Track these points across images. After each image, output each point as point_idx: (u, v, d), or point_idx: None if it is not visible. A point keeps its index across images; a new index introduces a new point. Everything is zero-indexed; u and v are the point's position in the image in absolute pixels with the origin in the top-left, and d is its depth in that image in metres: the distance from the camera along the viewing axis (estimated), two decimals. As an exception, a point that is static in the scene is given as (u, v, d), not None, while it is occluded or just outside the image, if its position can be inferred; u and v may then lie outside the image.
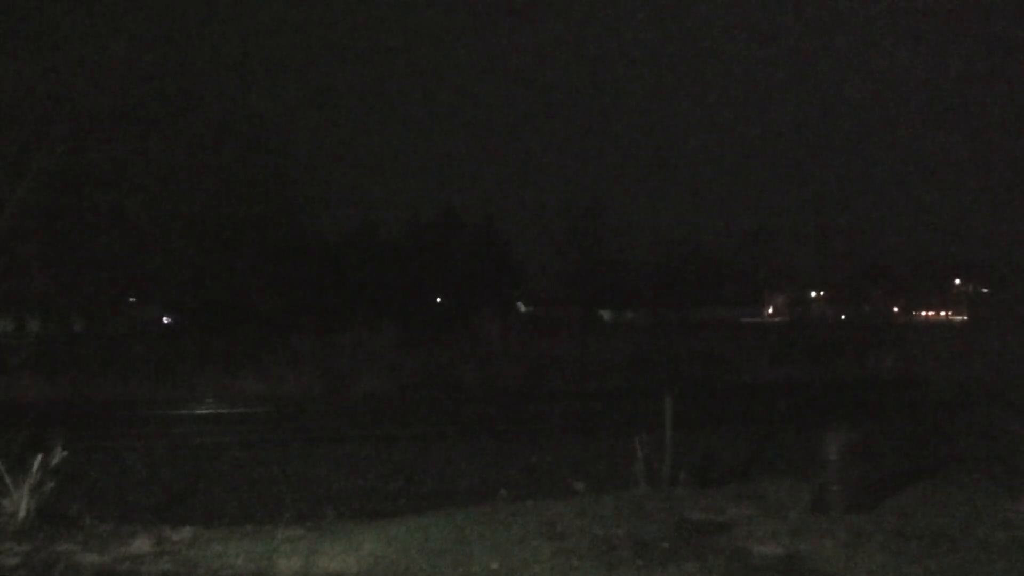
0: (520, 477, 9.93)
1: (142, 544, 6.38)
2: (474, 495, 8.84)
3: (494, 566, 5.75)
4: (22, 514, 6.84)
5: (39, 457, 7.16)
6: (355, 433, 13.11)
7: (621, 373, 22.05)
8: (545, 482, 9.54)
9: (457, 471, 10.29)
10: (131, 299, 36.64)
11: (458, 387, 20.32)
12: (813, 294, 66.64)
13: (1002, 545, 6.10)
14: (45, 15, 20.90)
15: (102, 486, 9.41)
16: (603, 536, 6.42)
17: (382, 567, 5.77)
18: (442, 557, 5.95)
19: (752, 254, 67.20)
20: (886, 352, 24.11)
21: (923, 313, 68.37)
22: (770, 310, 76.53)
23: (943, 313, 69.33)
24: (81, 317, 30.12)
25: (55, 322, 28.70)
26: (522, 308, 66.07)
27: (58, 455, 7.38)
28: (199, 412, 15.94)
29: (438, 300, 58.31)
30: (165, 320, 45.03)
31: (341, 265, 52.85)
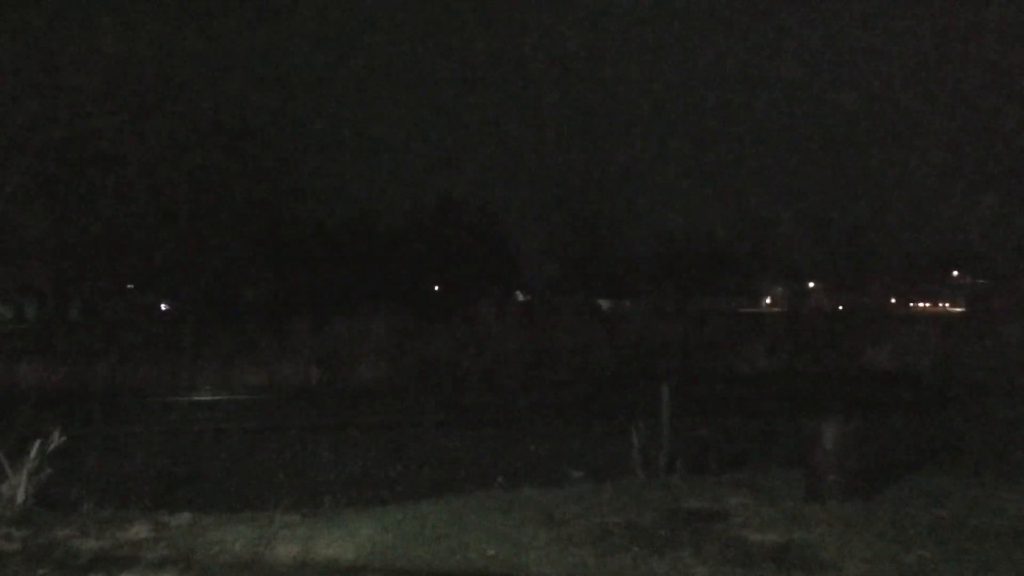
0: (518, 465, 9.96)
1: (140, 530, 6.39)
2: (472, 483, 8.86)
3: (491, 552, 5.77)
4: (20, 499, 6.85)
5: (37, 443, 7.17)
6: (353, 421, 13.14)
7: (618, 362, 22.08)
8: (542, 470, 9.57)
9: (455, 459, 10.32)
10: (129, 286, 36.61)
11: (456, 375, 20.35)
12: (811, 285, 66.66)
13: (997, 534, 6.13)
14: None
15: (100, 472, 9.43)
16: (599, 524, 6.44)
17: (379, 553, 5.80)
18: (439, 543, 5.97)
19: (751, 244, 67.15)
20: (883, 343, 24.15)
21: (921, 304, 68.44)
22: (768, 300, 76.57)
23: (941, 304, 69.42)
24: (79, 304, 30.11)
25: (53, 308, 28.66)
26: (520, 297, 66.08)
27: (56, 441, 7.39)
28: (197, 399, 15.97)
29: (436, 288, 58.32)
30: (163, 307, 44.95)
31: (339, 253, 52.79)
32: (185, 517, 6.80)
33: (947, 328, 28.14)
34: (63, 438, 7.50)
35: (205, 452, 10.65)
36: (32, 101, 19.36)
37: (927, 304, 69.68)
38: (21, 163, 19.78)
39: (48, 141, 20.03)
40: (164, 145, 22.46)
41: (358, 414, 14.07)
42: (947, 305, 67.93)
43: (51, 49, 19.76)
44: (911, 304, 65.09)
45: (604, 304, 59.16)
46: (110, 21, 20.93)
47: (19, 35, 19.63)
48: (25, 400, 14.51)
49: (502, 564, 5.57)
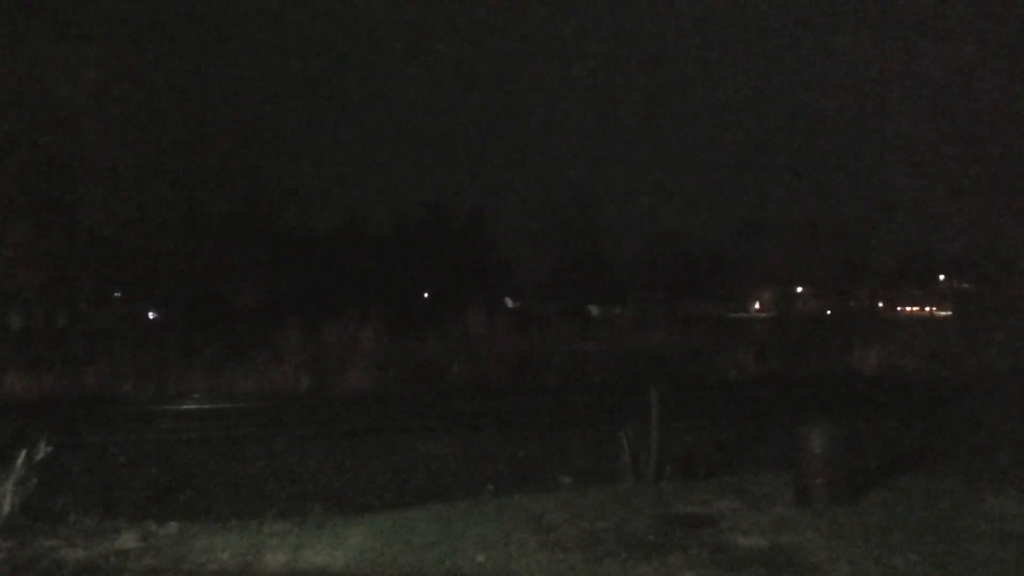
0: (507, 471, 9.95)
1: (127, 539, 6.35)
2: (461, 489, 8.85)
3: (480, 559, 5.77)
4: (6, 510, 6.80)
5: (23, 452, 7.12)
6: (342, 428, 13.10)
7: (608, 368, 22.10)
8: (532, 476, 9.57)
9: (444, 466, 10.30)
10: (116, 294, 36.41)
11: (445, 382, 20.32)
12: (799, 289, 66.98)
13: (984, 536, 6.18)
14: (27, 9, 20.77)
15: (87, 481, 9.36)
16: (589, 529, 6.45)
17: (368, 561, 5.78)
18: (428, 551, 5.96)
19: (739, 250, 67.45)
20: (871, 347, 24.26)
21: (907, 308, 68.86)
22: (757, 305, 76.86)
23: (927, 308, 69.86)
24: (65, 312, 29.90)
25: (39, 317, 28.47)
26: (510, 303, 66.10)
27: (42, 450, 7.34)
28: (185, 408, 15.87)
29: (425, 295, 58.25)
30: (151, 315, 44.65)
31: (328, 260, 52.69)
32: (173, 526, 6.77)
33: (934, 332, 28.33)
34: (49, 447, 7.46)
35: (193, 460, 10.58)
36: (18, 109, 19.28)
37: (914, 308, 70.13)
38: (7, 170, 19.67)
39: (34, 149, 19.94)
40: (152, 154, 22.40)
41: (348, 421, 14.02)
42: (934, 309, 68.37)
43: (37, 59, 19.69)
44: (898, 308, 65.47)
45: (594, 310, 59.22)
46: (98, 31, 20.91)
47: (5, 45, 19.56)
48: (10, 409, 14.41)
49: (492, 570, 5.58)
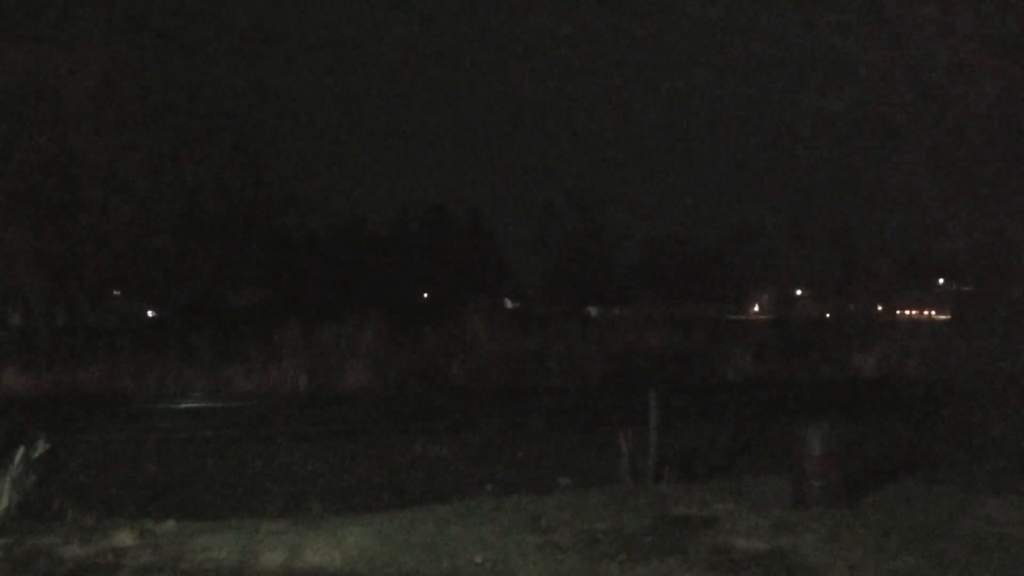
0: (505, 472, 9.96)
1: (125, 537, 6.35)
2: (459, 490, 8.85)
3: (478, 560, 5.77)
4: (3, 507, 6.79)
5: (21, 450, 7.12)
6: (340, 428, 13.09)
7: (607, 369, 22.09)
8: (530, 477, 9.57)
9: (443, 466, 10.30)
10: (115, 292, 36.40)
11: (444, 382, 20.31)
12: (798, 292, 67.01)
13: (983, 540, 6.18)
14: (26, 5, 20.77)
15: (85, 479, 9.36)
16: (587, 530, 6.45)
17: (366, 561, 5.78)
18: (426, 551, 5.96)
19: (739, 252, 67.51)
20: (869, 350, 24.26)
21: (907, 312, 68.83)
22: (755, 308, 76.89)
23: (926, 312, 69.84)
24: (64, 310, 29.89)
25: (38, 315, 28.45)
26: (509, 304, 66.12)
27: (40, 448, 7.34)
28: (183, 406, 15.88)
29: (425, 295, 58.30)
30: (150, 314, 44.62)
31: (328, 260, 52.72)
32: (171, 525, 6.77)
33: (933, 335, 28.33)
34: (47, 445, 7.45)
35: (191, 459, 10.58)
36: (18, 109, 19.28)
37: (913, 311, 70.09)
38: (7, 170, 19.68)
39: (34, 149, 19.94)
40: (152, 154, 22.40)
41: (346, 421, 14.02)
42: (933, 313, 68.34)
43: (38, 58, 19.68)
44: (897, 312, 65.44)
45: (593, 311, 59.23)
46: (99, 31, 20.90)
47: (5, 44, 19.56)
48: (9, 407, 14.40)
49: (490, 571, 5.57)
